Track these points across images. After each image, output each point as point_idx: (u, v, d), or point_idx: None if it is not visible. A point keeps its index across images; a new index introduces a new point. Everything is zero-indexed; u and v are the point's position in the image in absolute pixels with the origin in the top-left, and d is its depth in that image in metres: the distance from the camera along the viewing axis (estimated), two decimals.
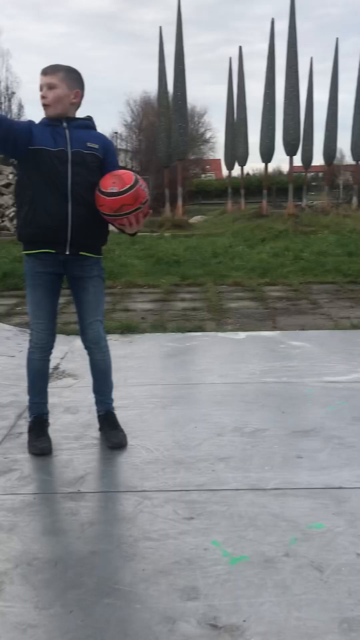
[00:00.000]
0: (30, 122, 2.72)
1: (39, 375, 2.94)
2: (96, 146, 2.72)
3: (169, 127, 21.47)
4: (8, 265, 8.70)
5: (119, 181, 2.61)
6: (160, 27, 21.77)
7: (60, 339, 4.68)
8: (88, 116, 2.82)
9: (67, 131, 2.68)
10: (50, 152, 2.64)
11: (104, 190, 2.62)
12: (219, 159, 54.98)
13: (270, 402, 3.45)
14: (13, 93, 39.32)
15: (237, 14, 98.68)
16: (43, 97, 2.66)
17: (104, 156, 2.75)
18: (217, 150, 53.25)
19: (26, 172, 2.70)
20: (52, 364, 4.08)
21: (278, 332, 5.25)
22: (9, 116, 40.10)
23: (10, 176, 15.83)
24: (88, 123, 2.79)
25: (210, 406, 3.39)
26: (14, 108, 39.82)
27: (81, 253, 2.76)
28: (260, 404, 3.41)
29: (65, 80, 2.69)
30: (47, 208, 2.66)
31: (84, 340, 2.94)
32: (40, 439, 2.89)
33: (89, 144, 2.70)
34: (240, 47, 24.43)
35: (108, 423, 2.99)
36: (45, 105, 2.68)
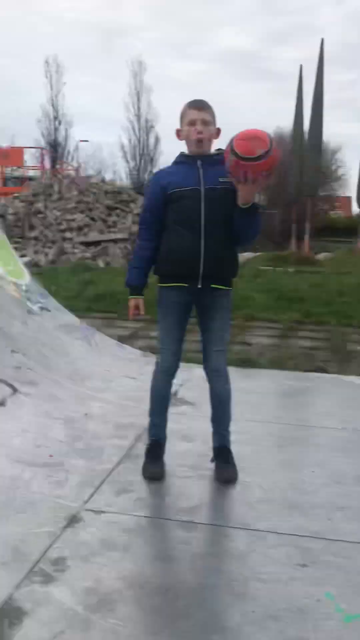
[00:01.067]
0: (158, 178, 2.93)
1: (162, 398, 3.04)
2: (228, 179, 2.78)
3: (301, 164, 21.46)
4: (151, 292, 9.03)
5: (259, 142, 2.58)
6: (301, 66, 21.95)
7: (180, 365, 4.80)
8: (219, 149, 2.88)
9: (200, 170, 2.79)
10: (184, 191, 2.77)
11: (250, 156, 2.57)
12: (349, 197, 53.90)
13: None
14: (152, 127, 41.31)
15: None
16: (200, 132, 2.77)
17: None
18: (348, 188, 52.13)
19: (167, 213, 2.84)
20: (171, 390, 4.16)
21: None
22: (145, 149, 41.90)
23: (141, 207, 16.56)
24: (221, 158, 2.83)
25: (330, 452, 3.29)
26: (151, 140, 41.80)
27: (212, 286, 2.84)
28: None
29: (214, 118, 2.84)
30: (180, 244, 2.79)
31: (206, 368, 3.00)
32: (154, 464, 2.96)
33: (220, 179, 2.77)
34: None
35: (222, 457, 2.99)
36: (200, 141, 2.78)
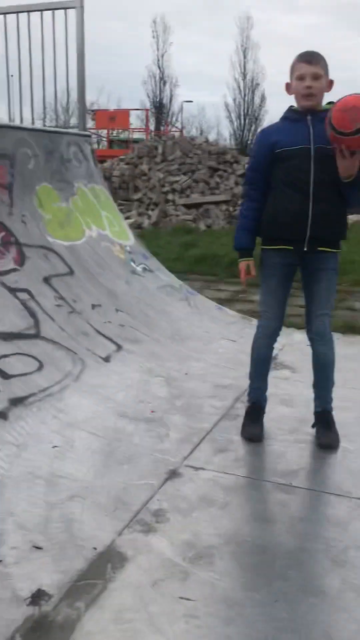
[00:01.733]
0: (265, 135, 2.81)
1: (263, 361, 3.00)
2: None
3: None
4: (236, 254, 8.95)
5: (358, 113, 2.43)
6: None
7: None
8: (330, 102, 2.72)
9: (310, 127, 2.66)
10: (292, 151, 2.66)
11: (345, 131, 2.45)
12: None
13: None
14: (257, 84, 40.17)
15: None
16: (309, 87, 2.64)
17: None
18: None
19: (273, 172, 2.75)
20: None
21: None
22: (250, 109, 40.85)
23: (247, 166, 16.26)
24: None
25: None
26: (257, 100, 40.74)
27: (319, 249, 2.74)
28: None
29: (325, 70, 2.68)
30: (287, 207, 2.70)
31: (309, 332, 2.92)
32: (254, 425, 2.95)
33: None
34: None
35: (323, 422, 2.93)
36: (309, 95, 2.65)
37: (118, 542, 2.03)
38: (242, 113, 41.02)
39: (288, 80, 2.75)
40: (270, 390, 3.39)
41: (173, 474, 2.52)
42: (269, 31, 69.99)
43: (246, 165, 16.05)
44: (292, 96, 2.74)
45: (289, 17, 75.00)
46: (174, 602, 1.75)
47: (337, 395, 3.05)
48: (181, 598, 1.77)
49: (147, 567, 1.91)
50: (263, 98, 40.82)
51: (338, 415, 3.00)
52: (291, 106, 2.79)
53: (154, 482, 2.44)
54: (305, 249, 2.73)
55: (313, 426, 2.97)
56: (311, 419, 3.02)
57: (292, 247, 2.76)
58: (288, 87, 2.75)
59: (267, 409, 3.12)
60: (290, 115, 2.76)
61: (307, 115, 2.69)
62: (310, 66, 2.63)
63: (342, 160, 2.55)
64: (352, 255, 9.02)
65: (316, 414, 2.98)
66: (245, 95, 40.82)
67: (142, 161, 15.84)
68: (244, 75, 40.70)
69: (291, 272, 2.87)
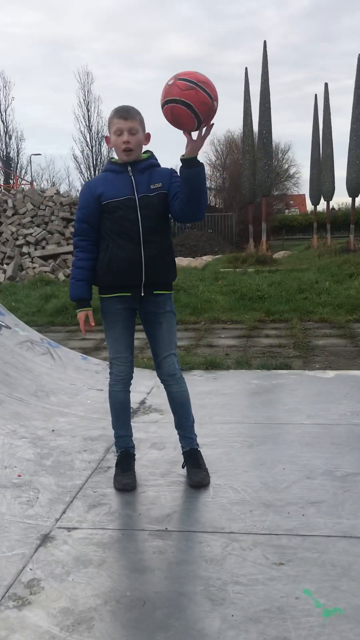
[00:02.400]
0: (90, 187, 2.83)
1: (122, 407, 3.00)
2: (159, 185, 2.77)
3: (253, 165, 21.72)
4: (97, 302, 8.95)
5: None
6: (246, 68, 22.17)
7: (145, 373, 4.77)
8: (148, 152, 2.86)
9: (132, 177, 2.77)
10: (118, 202, 2.75)
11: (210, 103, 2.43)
12: (303, 194, 54.81)
13: None
14: (103, 137, 41.30)
15: (322, 52, 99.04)
16: (126, 141, 2.72)
17: (169, 186, 2.77)
18: (301, 186, 53.03)
19: (102, 223, 2.81)
20: (138, 399, 4.14)
21: None
22: (99, 159, 41.56)
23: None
24: (151, 162, 2.83)
25: (299, 447, 3.31)
26: (104, 150, 41.74)
27: (155, 292, 2.84)
28: (352, 447, 3.29)
29: (142, 125, 2.80)
30: (121, 255, 2.76)
31: (160, 375, 2.98)
32: (125, 474, 2.93)
33: (152, 186, 2.76)
34: (326, 84, 24.41)
35: (191, 460, 2.98)
36: (128, 150, 2.74)
37: None
38: (91, 164, 41.78)
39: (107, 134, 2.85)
40: (141, 435, 3.40)
41: (45, 539, 2.41)
42: (110, 85, 72.57)
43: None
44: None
45: (127, 72, 78.37)
46: None
47: (204, 432, 3.13)
48: None
49: None
50: (110, 149, 41.97)
51: (205, 451, 3.07)
52: (111, 158, 2.89)
53: (26, 551, 2.31)
54: (142, 294, 2.82)
55: (183, 466, 3.01)
56: (181, 460, 3.05)
57: (129, 293, 2.83)
58: (108, 141, 2.86)
59: (138, 454, 3.12)
60: (112, 167, 2.84)
61: (127, 166, 2.79)
62: (127, 122, 2.73)
63: (193, 140, 2.52)
64: (207, 295, 9.44)
65: (184, 453, 3.02)
66: (92, 147, 41.73)
67: None
68: (89, 128, 41.66)
69: (132, 315, 2.94)
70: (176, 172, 2.81)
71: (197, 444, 3.03)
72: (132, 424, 3.07)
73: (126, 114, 2.74)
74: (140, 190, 2.75)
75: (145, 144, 2.83)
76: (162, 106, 2.48)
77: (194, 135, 2.54)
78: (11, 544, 2.36)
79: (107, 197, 2.76)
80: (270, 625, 1.84)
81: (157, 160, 2.90)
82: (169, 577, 2.13)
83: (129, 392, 3.00)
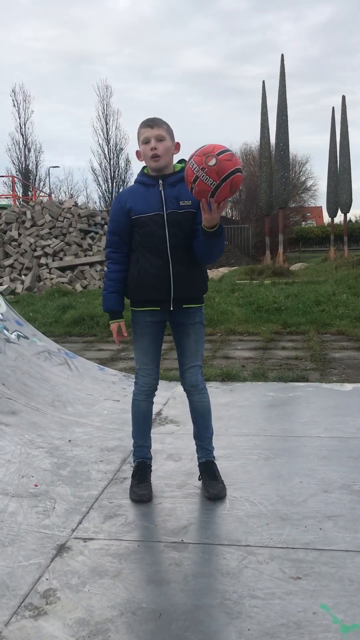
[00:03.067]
0: (120, 201, 2.84)
1: (144, 418, 3.02)
2: (189, 202, 2.77)
3: (270, 177, 21.75)
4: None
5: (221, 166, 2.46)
6: (264, 81, 22.27)
7: (162, 385, 4.76)
8: (183, 162, 2.85)
9: (162, 192, 2.78)
10: (147, 217, 2.77)
11: (216, 182, 2.45)
12: (320, 207, 54.76)
13: None
14: (121, 149, 41.65)
15: (340, 64, 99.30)
16: (154, 148, 2.76)
17: (196, 207, 2.73)
18: (318, 198, 53.06)
19: (132, 236, 2.84)
20: (155, 410, 4.14)
21: None
22: (116, 172, 41.83)
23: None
24: (182, 175, 2.80)
25: (316, 461, 3.28)
26: (122, 163, 42.10)
27: (184, 306, 2.86)
28: None
29: (169, 133, 2.83)
30: (149, 271, 2.79)
31: (183, 384, 3.00)
32: (141, 485, 2.93)
33: (181, 203, 2.77)
34: (343, 97, 24.45)
35: (207, 473, 2.97)
36: (156, 157, 2.76)
37: (5, 634, 1.89)
38: (109, 177, 42.12)
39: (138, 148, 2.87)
40: (157, 447, 3.39)
41: (61, 549, 2.41)
42: (128, 98, 73.29)
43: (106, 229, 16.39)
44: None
45: (145, 85, 79.10)
46: None
47: (220, 444, 3.12)
48: None
49: None
50: (127, 161, 42.27)
51: (222, 463, 3.06)
52: (143, 168, 2.90)
53: (42, 561, 2.32)
54: (171, 309, 2.84)
55: (199, 478, 3.00)
56: (197, 471, 3.05)
57: (159, 308, 2.85)
58: (138, 154, 2.88)
59: (155, 466, 3.11)
60: (144, 180, 2.86)
61: (159, 180, 2.81)
62: (153, 129, 2.77)
63: (208, 213, 2.55)
64: (224, 306, 9.44)
65: (200, 465, 3.02)
66: (110, 159, 42.08)
67: (11, 227, 15.65)
68: (108, 141, 42.04)
69: (161, 328, 2.95)
70: None
71: (214, 457, 3.02)
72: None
73: (152, 123, 2.79)
74: (170, 207, 2.76)
75: (175, 153, 2.86)
76: (225, 179, 2.43)
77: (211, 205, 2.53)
78: (27, 553, 2.37)
79: (137, 212, 2.79)
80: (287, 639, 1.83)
81: None
82: (185, 589, 2.12)
83: (152, 402, 3.03)
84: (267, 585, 2.12)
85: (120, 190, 41.04)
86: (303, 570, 2.21)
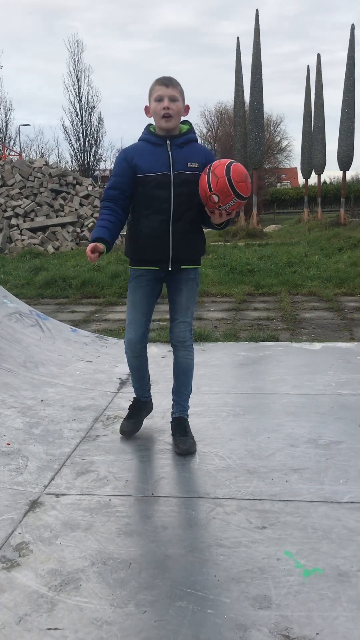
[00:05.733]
0: (126, 156, 2.80)
1: (137, 370, 3.12)
2: (197, 165, 2.77)
3: (244, 137, 21.51)
4: (87, 274, 8.97)
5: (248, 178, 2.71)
6: (238, 38, 21.79)
7: None
8: (187, 123, 2.87)
9: (170, 152, 2.76)
10: (153, 177, 2.75)
11: (245, 196, 2.71)
12: (295, 168, 54.48)
13: (346, 414, 3.38)
14: (94, 107, 40.58)
15: (318, 23, 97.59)
16: (167, 107, 2.73)
17: (203, 170, 2.76)
18: (293, 159, 52.71)
19: (134, 195, 2.81)
20: (128, 370, 4.17)
21: (355, 343, 5.14)
22: (88, 130, 41.02)
23: (90, 187, 16.32)
24: (190, 137, 2.84)
25: (284, 417, 3.37)
26: (94, 121, 41.13)
27: (182, 267, 2.89)
28: (336, 416, 3.35)
29: (182, 95, 2.80)
30: (149, 230, 2.79)
31: (171, 339, 3.04)
32: (129, 420, 3.15)
33: (189, 164, 2.76)
34: (318, 55, 24.09)
35: (179, 429, 3.04)
36: (168, 117, 2.74)
37: None
38: (81, 136, 41.15)
39: (147, 104, 2.82)
40: (129, 405, 3.44)
41: (34, 505, 2.46)
42: (103, 55, 71.13)
43: (89, 187, 16.07)
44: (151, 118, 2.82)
45: (120, 42, 76.80)
46: (42, 635, 1.71)
47: (192, 402, 3.17)
48: (49, 629, 1.73)
49: (12, 605, 1.84)
50: (100, 120, 41.36)
51: (193, 420, 3.13)
52: (149, 125, 2.86)
53: (15, 516, 2.36)
54: (169, 269, 2.86)
55: (172, 434, 3.06)
56: (169, 428, 3.11)
57: (157, 268, 2.87)
58: (147, 110, 2.83)
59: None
60: (150, 138, 2.82)
61: (166, 140, 2.78)
62: (168, 89, 2.74)
63: (219, 217, 2.74)
64: (201, 268, 9.42)
65: (173, 420, 3.08)
66: (82, 117, 41.02)
67: None
68: (79, 98, 40.90)
69: (157, 286, 2.98)
70: (212, 157, 2.86)
71: (187, 415, 3.08)
72: (120, 394, 3.15)
73: (168, 82, 2.76)
74: (177, 167, 2.75)
75: (184, 115, 2.83)
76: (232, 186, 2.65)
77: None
78: (0, 509, 2.41)
79: (143, 171, 2.75)
80: (252, 584, 1.91)
81: (195, 134, 2.92)
82: (155, 540, 2.19)
83: (142, 357, 3.07)
84: (233, 534, 2.20)
85: (94, 149, 40.17)
86: (268, 520, 2.29)
